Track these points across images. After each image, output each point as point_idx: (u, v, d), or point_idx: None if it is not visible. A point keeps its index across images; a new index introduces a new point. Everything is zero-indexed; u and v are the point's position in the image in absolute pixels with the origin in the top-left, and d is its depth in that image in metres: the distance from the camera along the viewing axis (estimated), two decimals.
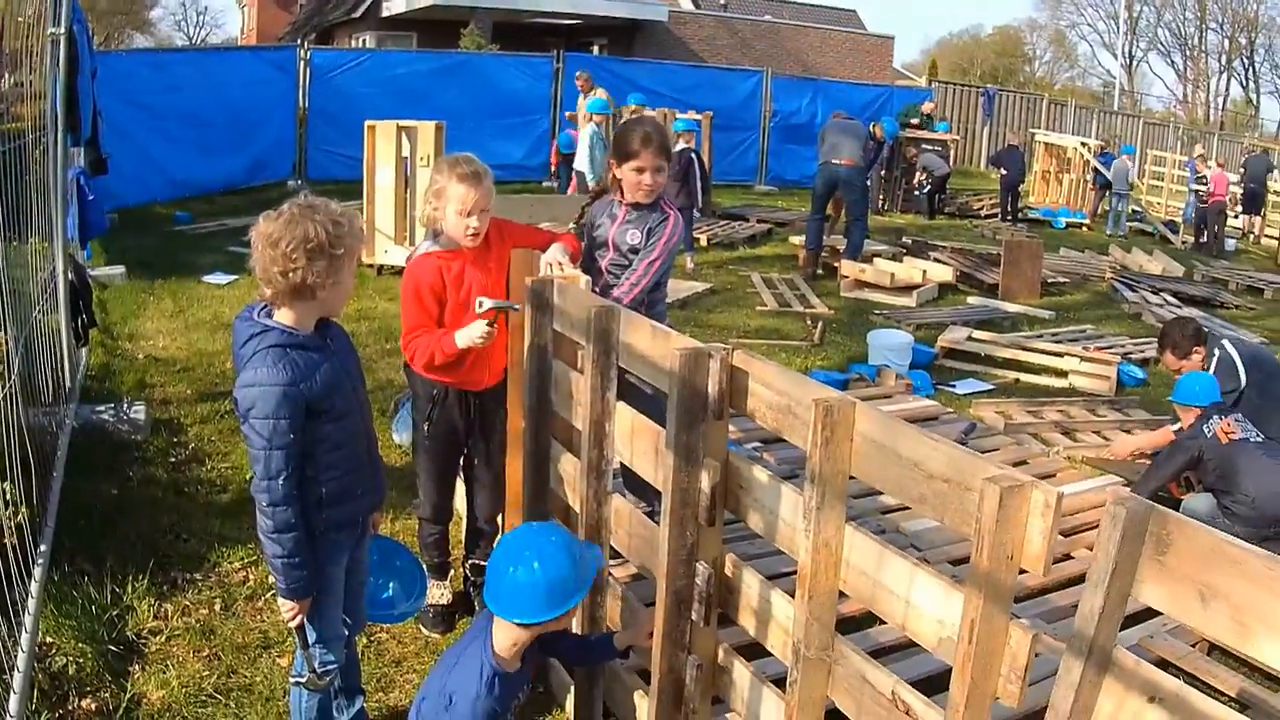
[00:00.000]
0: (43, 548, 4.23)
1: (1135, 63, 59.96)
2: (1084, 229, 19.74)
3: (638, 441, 3.07)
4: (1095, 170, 20.75)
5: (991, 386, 8.36)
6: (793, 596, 2.54)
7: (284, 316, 2.77)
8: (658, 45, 26.69)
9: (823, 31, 30.76)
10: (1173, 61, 61.40)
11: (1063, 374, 8.64)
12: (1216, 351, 6.39)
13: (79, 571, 4.34)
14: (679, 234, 4.27)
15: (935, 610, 2.18)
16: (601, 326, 3.01)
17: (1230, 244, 19.36)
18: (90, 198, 6.83)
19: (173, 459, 5.78)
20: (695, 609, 2.86)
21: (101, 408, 6.14)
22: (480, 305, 3.54)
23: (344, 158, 16.13)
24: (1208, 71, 60.30)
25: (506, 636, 2.70)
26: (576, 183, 13.72)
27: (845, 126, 12.42)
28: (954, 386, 8.23)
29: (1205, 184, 19.01)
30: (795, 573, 2.50)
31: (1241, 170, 21.67)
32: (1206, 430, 5.52)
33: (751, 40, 28.40)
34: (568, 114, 17.28)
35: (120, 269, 10.37)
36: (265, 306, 2.80)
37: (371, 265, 10.91)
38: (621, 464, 3.30)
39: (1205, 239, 18.89)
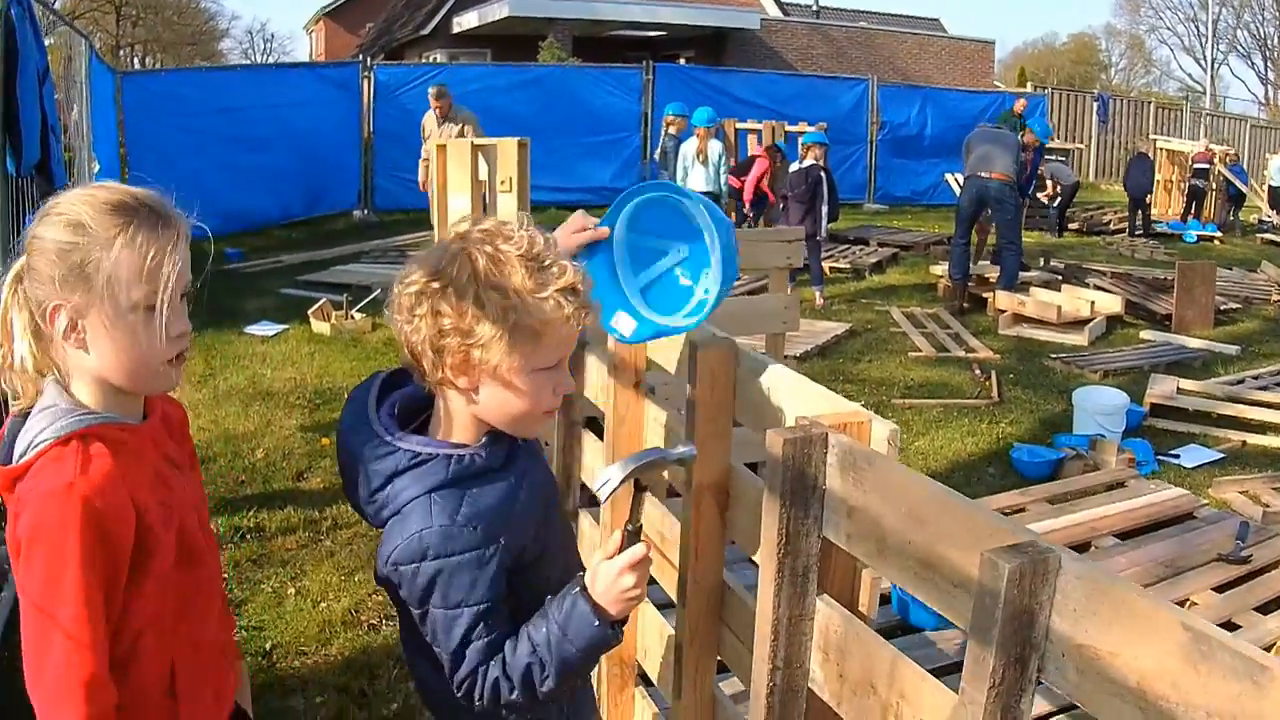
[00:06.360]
0: None
1: (1216, 65, 57.67)
2: (1216, 241, 17.87)
3: None
4: (1225, 179, 19.22)
5: (1220, 454, 6.60)
6: None
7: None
8: (748, 55, 24.99)
9: (920, 37, 28.81)
10: (1253, 63, 59.20)
11: None
12: None
13: None
14: None
15: None
16: None
17: None
18: None
19: None
20: None
21: None
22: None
23: (414, 184, 14.65)
24: None
25: None
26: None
27: (994, 135, 10.87)
28: (1177, 457, 6.50)
29: None
30: None
31: None
32: None
33: (846, 48, 26.55)
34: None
35: None
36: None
37: None
38: None
39: None
